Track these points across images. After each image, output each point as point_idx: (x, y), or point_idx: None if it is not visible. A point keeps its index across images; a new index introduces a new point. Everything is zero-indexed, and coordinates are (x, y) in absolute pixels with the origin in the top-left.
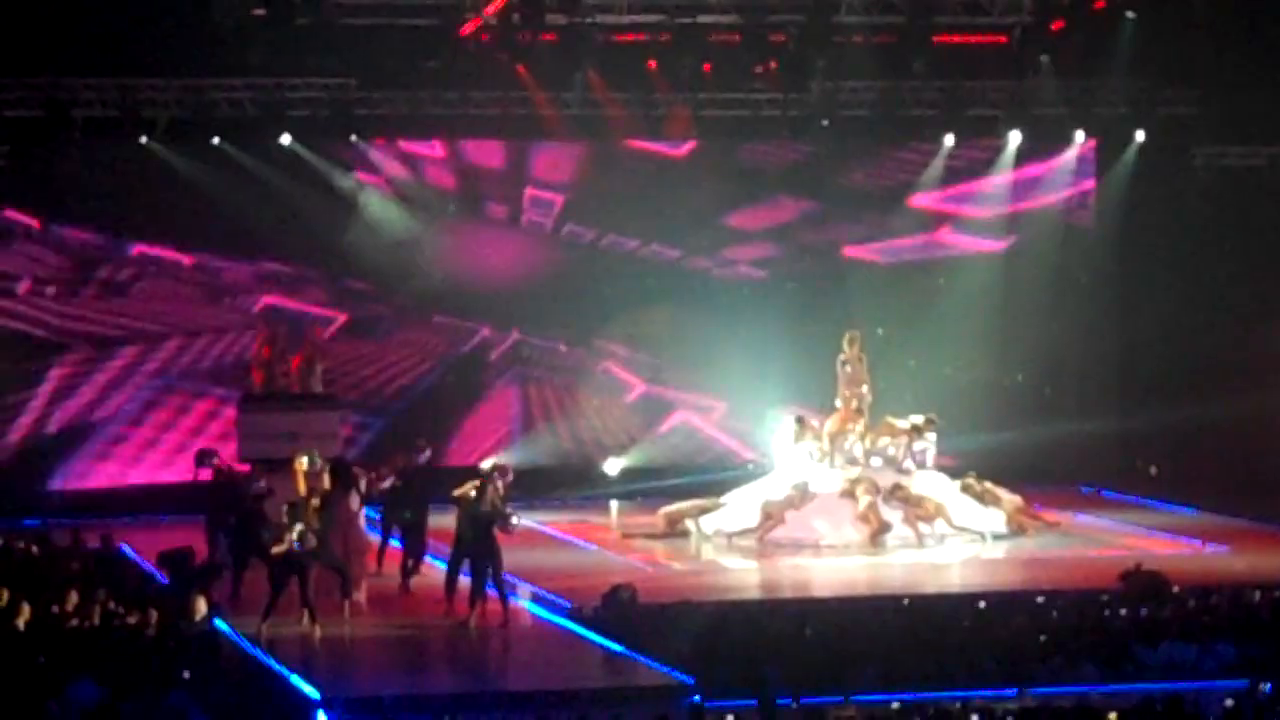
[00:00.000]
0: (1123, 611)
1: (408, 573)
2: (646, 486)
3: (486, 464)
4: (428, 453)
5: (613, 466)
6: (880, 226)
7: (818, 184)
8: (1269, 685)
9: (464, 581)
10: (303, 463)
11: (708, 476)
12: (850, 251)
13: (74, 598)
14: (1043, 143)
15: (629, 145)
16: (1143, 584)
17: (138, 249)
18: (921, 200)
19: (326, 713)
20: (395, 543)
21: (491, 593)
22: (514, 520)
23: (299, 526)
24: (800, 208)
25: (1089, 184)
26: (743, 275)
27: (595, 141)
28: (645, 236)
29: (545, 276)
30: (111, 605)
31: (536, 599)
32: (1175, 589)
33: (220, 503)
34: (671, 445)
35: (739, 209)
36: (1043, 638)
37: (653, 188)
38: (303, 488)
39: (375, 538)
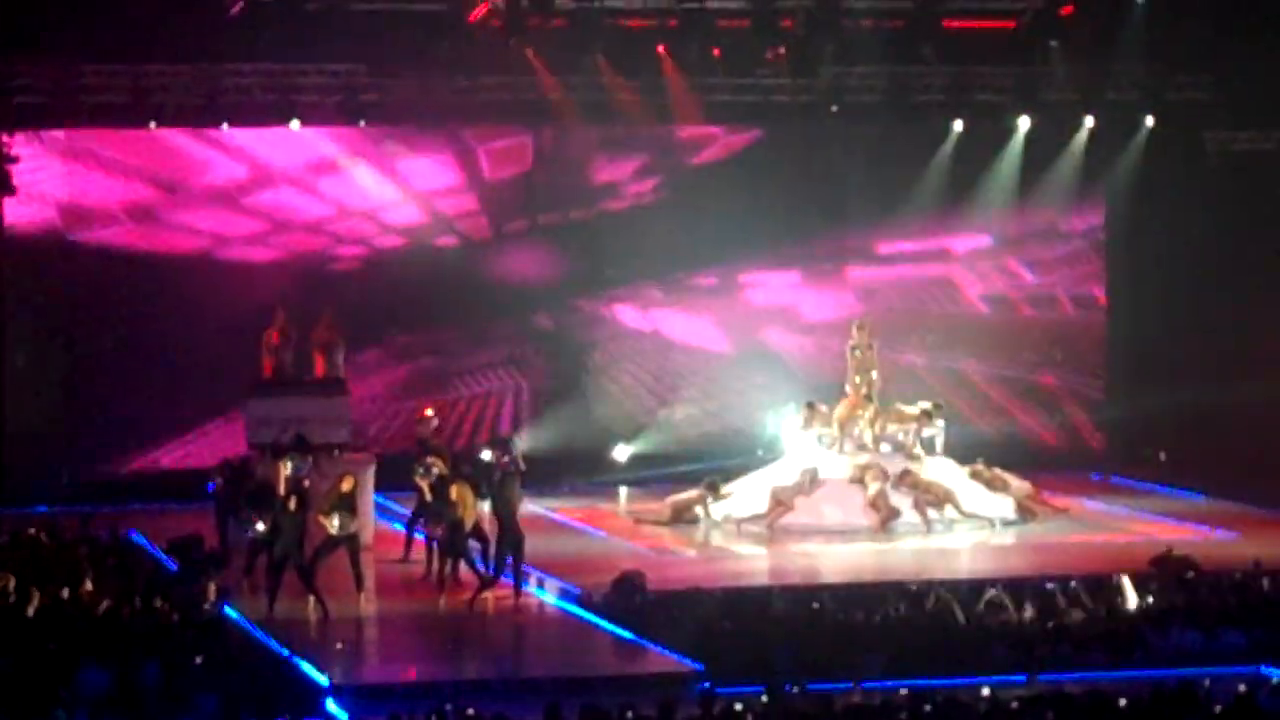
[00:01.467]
0: (1150, 600)
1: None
2: (656, 473)
3: (486, 454)
4: (435, 422)
5: (621, 453)
6: None
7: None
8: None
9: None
10: (286, 466)
11: (716, 464)
12: None
13: (83, 585)
14: (1052, 128)
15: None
16: (1173, 570)
17: None
18: None
19: (336, 700)
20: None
21: (505, 579)
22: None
23: (336, 513)
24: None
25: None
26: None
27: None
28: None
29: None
30: (121, 592)
31: (545, 585)
32: (1191, 575)
33: (231, 489)
34: (681, 431)
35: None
36: (1051, 624)
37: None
38: (281, 489)
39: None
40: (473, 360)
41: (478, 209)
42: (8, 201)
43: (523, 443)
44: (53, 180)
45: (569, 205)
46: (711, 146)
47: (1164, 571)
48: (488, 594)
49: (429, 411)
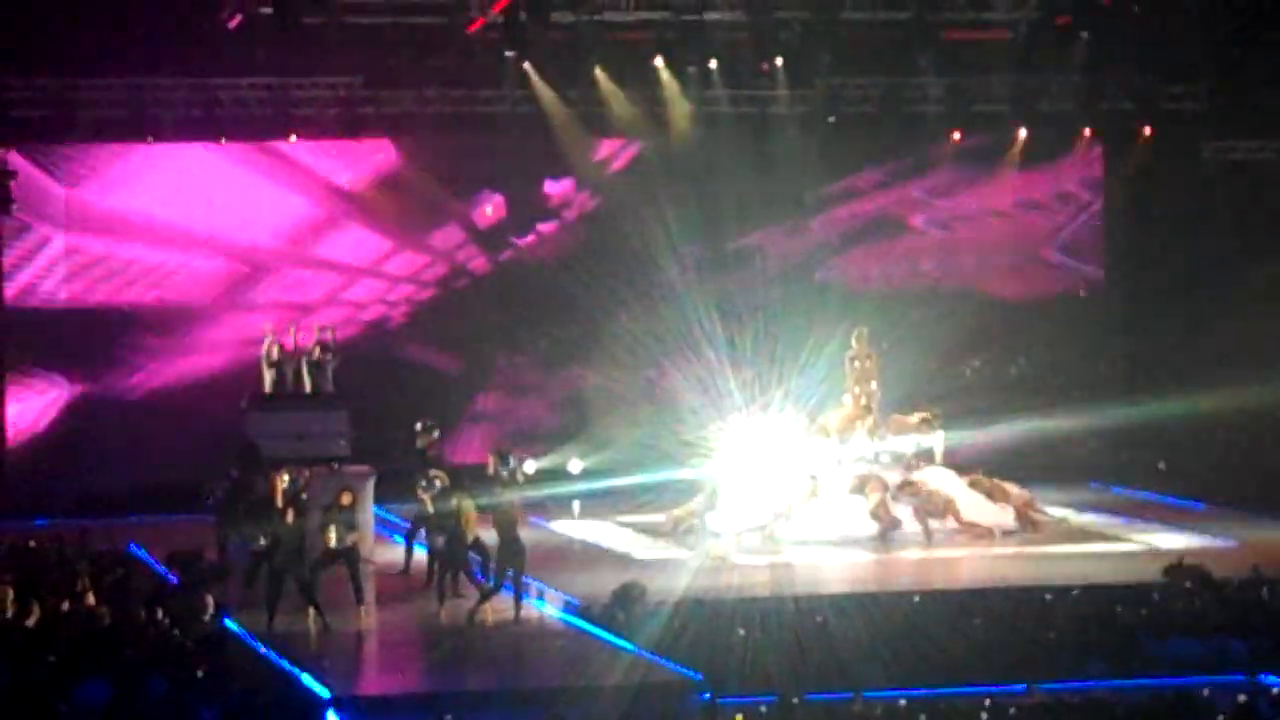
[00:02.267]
0: (1143, 612)
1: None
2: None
3: (488, 467)
4: (436, 434)
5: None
6: None
7: None
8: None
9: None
10: (283, 480)
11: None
12: None
13: (84, 598)
14: (1050, 138)
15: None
16: (1186, 578)
17: None
18: None
19: (337, 712)
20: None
21: (506, 591)
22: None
23: (334, 526)
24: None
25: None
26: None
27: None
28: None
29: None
30: (121, 605)
31: (544, 596)
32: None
33: (233, 503)
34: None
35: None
36: (1051, 634)
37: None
38: (279, 501)
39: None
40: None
41: (478, 251)
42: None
43: (535, 458)
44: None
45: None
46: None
47: (1176, 581)
48: (488, 606)
49: (430, 424)
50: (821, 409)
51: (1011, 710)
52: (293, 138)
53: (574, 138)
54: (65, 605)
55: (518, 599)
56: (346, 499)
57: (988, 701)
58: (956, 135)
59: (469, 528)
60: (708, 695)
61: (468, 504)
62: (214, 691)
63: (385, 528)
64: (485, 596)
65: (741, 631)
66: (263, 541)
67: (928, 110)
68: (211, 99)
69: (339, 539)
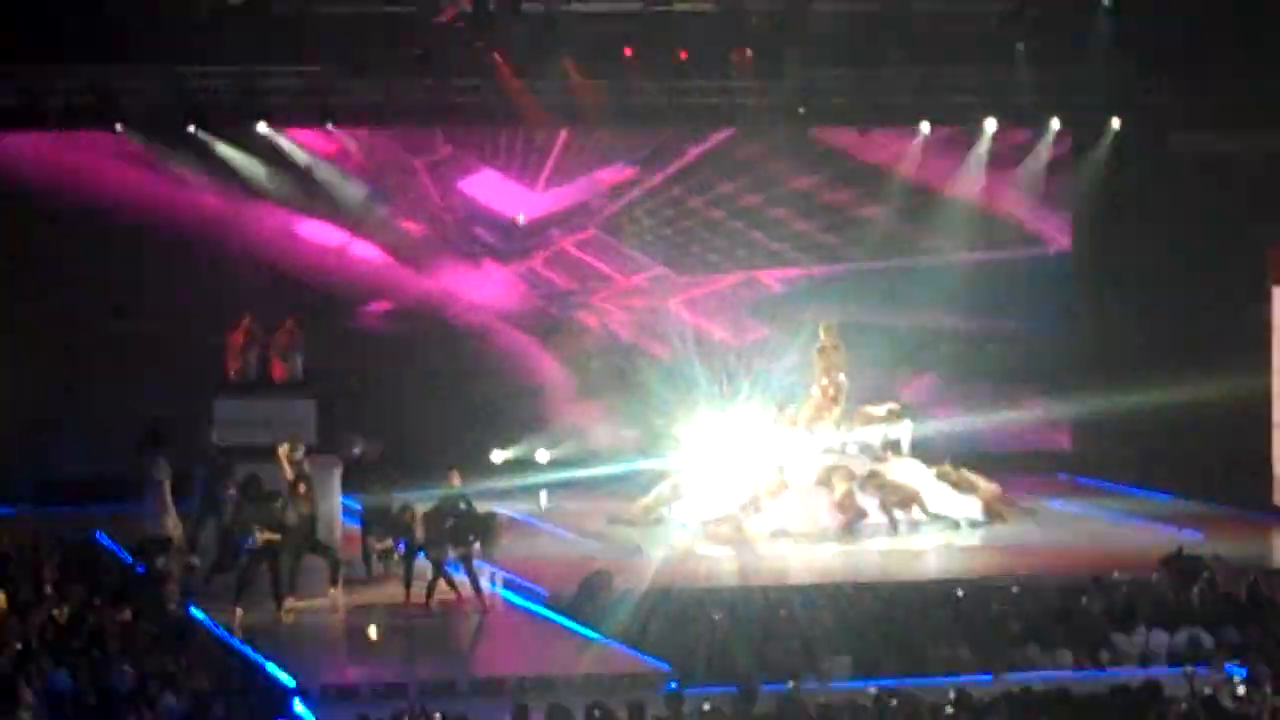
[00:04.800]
0: (1110, 603)
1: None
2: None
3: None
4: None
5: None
6: None
7: None
8: (1244, 670)
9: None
10: (286, 449)
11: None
12: None
13: (48, 587)
14: (1019, 130)
15: None
16: (1183, 569)
17: None
18: None
19: (303, 701)
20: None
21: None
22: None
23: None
24: None
25: None
26: None
27: None
28: None
29: None
30: (86, 594)
31: (512, 586)
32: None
33: (214, 487)
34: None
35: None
36: (1018, 625)
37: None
38: (289, 473)
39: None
40: None
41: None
42: None
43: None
44: None
45: None
46: None
47: (1172, 572)
48: (448, 590)
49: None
50: (789, 400)
51: (977, 700)
52: (262, 126)
53: None
54: (30, 594)
55: (476, 586)
56: (306, 488)
57: (936, 691)
58: (925, 126)
59: (416, 528)
60: (674, 685)
61: (414, 507)
62: (179, 680)
63: (352, 516)
64: (436, 574)
65: (710, 620)
66: (259, 536)
67: (898, 102)
68: (181, 88)
69: (303, 528)
